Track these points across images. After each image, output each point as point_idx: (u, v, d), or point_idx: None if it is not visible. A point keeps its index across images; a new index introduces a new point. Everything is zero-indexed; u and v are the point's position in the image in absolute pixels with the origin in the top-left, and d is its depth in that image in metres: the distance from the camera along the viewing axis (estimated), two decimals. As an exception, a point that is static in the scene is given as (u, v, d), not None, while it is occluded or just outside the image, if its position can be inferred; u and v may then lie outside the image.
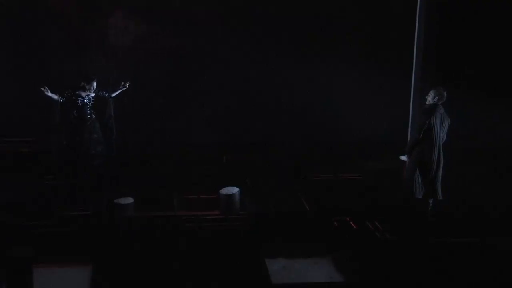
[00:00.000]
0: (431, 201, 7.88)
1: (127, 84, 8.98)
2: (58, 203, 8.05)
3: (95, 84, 8.74)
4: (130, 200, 7.93)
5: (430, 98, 7.67)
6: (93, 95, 8.76)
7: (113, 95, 8.99)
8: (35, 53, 10.08)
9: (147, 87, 10.45)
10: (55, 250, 6.68)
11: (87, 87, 8.68)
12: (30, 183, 8.77)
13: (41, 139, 9.93)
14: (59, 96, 8.65)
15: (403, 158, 8.54)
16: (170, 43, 10.39)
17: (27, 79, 10.09)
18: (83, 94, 8.72)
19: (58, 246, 6.77)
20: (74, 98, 8.67)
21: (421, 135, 7.64)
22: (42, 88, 8.54)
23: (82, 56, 10.17)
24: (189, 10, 10.36)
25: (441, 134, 7.67)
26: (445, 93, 7.63)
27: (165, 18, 10.33)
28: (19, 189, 8.51)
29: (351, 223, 7.65)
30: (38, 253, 6.29)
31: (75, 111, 8.75)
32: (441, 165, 7.73)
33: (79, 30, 10.13)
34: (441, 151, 7.72)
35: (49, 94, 8.57)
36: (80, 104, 8.70)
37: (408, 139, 8.93)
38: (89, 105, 8.78)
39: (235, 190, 8.09)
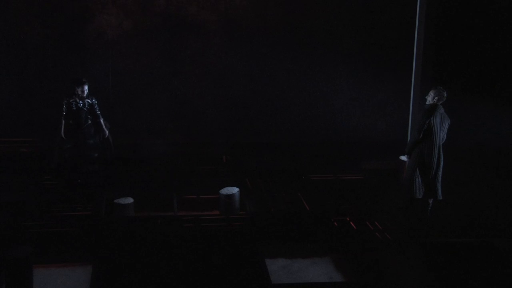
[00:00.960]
0: (431, 201, 7.88)
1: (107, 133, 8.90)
2: (58, 203, 8.05)
3: (86, 87, 8.56)
4: (130, 200, 7.94)
5: (430, 98, 7.67)
6: (89, 100, 8.62)
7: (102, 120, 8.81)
8: (34, 53, 10.08)
9: (147, 87, 10.45)
10: (55, 250, 6.68)
11: (79, 90, 8.51)
12: (30, 183, 8.77)
13: (41, 139, 9.93)
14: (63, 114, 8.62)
15: (403, 158, 8.54)
16: (170, 43, 10.39)
17: (27, 79, 10.11)
18: (78, 99, 8.58)
19: (58, 246, 6.77)
20: (69, 103, 8.54)
21: (421, 135, 7.63)
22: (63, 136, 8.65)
23: (81, 56, 10.17)
24: (189, 10, 10.35)
25: (441, 134, 7.66)
26: (445, 93, 7.63)
27: (165, 18, 10.32)
28: (19, 189, 8.52)
29: (351, 223, 7.65)
30: (38, 253, 6.31)
31: (70, 116, 8.60)
32: (441, 165, 7.73)
33: (78, 29, 10.13)
34: (441, 151, 7.72)
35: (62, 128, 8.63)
36: (74, 109, 8.56)
37: (408, 139, 8.94)
38: (85, 111, 8.62)
39: (235, 190, 8.09)
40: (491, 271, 6.44)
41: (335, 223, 7.61)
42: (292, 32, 10.61)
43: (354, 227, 7.53)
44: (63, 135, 8.64)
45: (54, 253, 6.63)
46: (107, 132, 8.85)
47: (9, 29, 9.97)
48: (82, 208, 7.91)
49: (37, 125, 10.02)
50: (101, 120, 8.78)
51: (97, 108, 8.71)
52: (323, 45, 10.70)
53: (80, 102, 8.58)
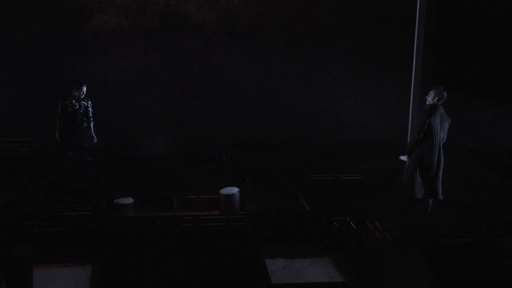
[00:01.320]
0: (431, 201, 7.88)
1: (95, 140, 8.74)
2: (58, 203, 8.05)
3: (85, 88, 8.44)
4: (130, 200, 7.93)
5: (430, 98, 7.67)
6: (84, 102, 8.47)
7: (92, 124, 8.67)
8: (33, 52, 10.08)
9: (146, 86, 10.45)
10: (55, 250, 6.67)
11: (77, 92, 8.40)
12: (30, 183, 8.76)
13: (41, 139, 9.93)
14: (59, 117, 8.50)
15: (403, 158, 8.54)
16: (169, 43, 10.39)
17: (26, 79, 10.11)
18: (74, 101, 8.45)
19: (58, 246, 6.77)
20: (65, 105, 8.42)
21: (421, 136, 7.63)
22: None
23: (80, 55, 10.17)
24: (188, 9, 10.35)
25: (441, 134, 7.66)
26: (445, 93, 7.63)
27: (163, 17, 10.32)
28: (19, 189, 8.51)
29: (351, 223, 7.65)
30: (38, 253, 6.31)
31: (66, 118, 8.46)
32: (442, 165, 7.73)
33: (76, 29, 10.12)
34: (441, 151, 7.72)
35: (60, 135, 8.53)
36: (70, 110, 8.43)
37: (408, 139, 8.94)
38: (81, 113, 8.48)
39: (235, 190, 8.09)
40: (491, 271, 6.44)
41: (335, 223, 7.61)
42: (291, 32, 10.61)
43: (354, 227, 7.53)
44: (57, 137, 8.53)
45: (54, 253, 6.63)
46: (95, 137, 8.66)
47: (8, 29, 9.97)
48: (82, 208, 7.91)
49: (37, 125, 10.02)
50: (92, 124, 8.62)
51: (91, 111, 8.59)
52: (323, 44, 10.70)
53: (76, 104, 8.45)
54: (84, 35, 10.15)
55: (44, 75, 10.12)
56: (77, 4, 10.06)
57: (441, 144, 7.71)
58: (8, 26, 9.97)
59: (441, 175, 7.74)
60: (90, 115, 8.61)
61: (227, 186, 8.24)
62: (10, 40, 10.01)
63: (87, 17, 10.12)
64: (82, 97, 8.47)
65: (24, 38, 10.03)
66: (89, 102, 8.59)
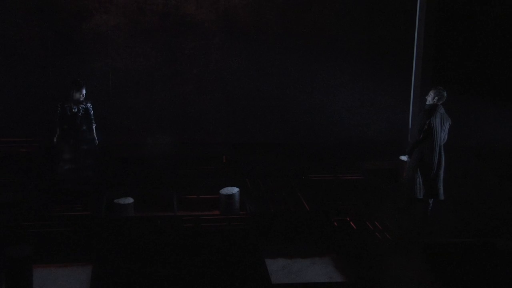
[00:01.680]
0: (431, 201, 7.88)
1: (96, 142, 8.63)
2: (58, 203, 8.05)
3: (84, 90, 8.32)
4: (130, 200, 7.93)
5: (430, 98, 7.66)
6: (83, 105, 8.34)
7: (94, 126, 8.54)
8: (33, 52, 10.08)
9: (146, 86, 10.45)
10: (55, 250, 6.67)
11: (77, 94, 8.28)
12: (30, 183, 8.76)
13: (41, 139, 9.92)
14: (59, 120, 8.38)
15: (403, 158, 8.54)
16: (169, 43, 10.39)
17: (26, 79, 10.10)
18: (72, 104, 8.31)
19: (58, 246, 6.77)
20: (63, 108, 8.29)
21: (422, 136, 7.62)
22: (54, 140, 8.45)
23: (79, 55, 10.16)
24: (188, 9, 10.35)
25: (442, 134, 7.65)
26: (445, 93, 7.62)
27: (163, 17, 10.32)
28: (19, 189, 8.51)
29: (351, 223, 7.65)
30: (38, 253, 6.31)
31: (65, 122, 8.33)
32: (442, 165, 7.72)
33: (76, 29, 10.12)
34: (442, 151, 7.71)
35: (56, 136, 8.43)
36: (69, 114, 8.32)
37: (408, 139, 8.94)
38: (79, 116, 8.35)
39: (235, 190, 8.09)
40: (491, 271, 6.44)
41: (335, 223, 7.61)
42: (291, 32, 10.61)
43: (354, 227, 7.53)
44: (54, 140, 8.41)
45: (54, 253, 6.62)
46: (97, 139, 8.54)
47: (7, 29, 9.96)
48: (82, 208, 7.91)
49: (37, 125, 10.01)
50: (94, 126, 8.50)
51: (92, 113, 8.46)
52: (323, 45, 10.70)
53: (75, 107, 8.33)
54: (83, 35, 10.14)
55: (44, 75, 10.11)
56: (76, 3, 10.04)
57: (442, 144, 7.71)
58: (8, 26, 9.96)
59: (442, 175, 7.74)
60: (91, 117, 8.48)
61: (227, 186, 8.24)
62: (9, 40, 10.00)
63: (86, 16, 10.11)
64: (81, 99, 8.35)
65: (23, 38, 10.03)
66: (89, 104, 8.46)
